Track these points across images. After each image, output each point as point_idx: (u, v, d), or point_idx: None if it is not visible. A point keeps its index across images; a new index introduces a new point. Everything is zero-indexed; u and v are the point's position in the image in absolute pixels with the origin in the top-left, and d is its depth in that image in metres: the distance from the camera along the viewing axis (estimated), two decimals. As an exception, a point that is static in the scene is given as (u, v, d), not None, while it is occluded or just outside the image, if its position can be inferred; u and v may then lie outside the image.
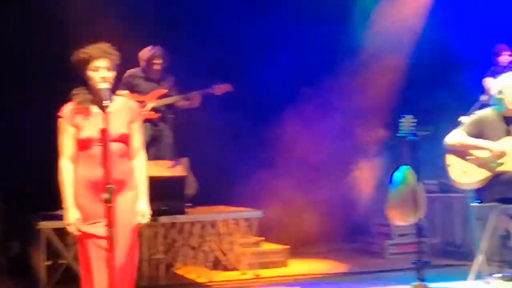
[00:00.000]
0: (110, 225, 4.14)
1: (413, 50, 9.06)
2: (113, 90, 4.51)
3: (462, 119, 6.40)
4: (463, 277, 6.18)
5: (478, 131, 6.04)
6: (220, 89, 8.02)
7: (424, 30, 9.09)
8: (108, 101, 4.31)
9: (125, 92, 7.44)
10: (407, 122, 6.23)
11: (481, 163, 5.96)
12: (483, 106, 6.85)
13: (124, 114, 4.53)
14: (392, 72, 9.03)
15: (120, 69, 4.63)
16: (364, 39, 8.94)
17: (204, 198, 8.14)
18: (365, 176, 8.90)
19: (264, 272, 7.52)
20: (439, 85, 9.22)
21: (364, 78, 8.93)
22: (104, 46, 4.48)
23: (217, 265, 7.58)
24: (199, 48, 8.63)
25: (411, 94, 8.90)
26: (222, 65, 8.61)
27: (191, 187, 8.01)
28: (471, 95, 8.32)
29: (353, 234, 9.02)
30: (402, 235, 8.29)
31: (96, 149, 4.37)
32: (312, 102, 8.87)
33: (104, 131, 4.27)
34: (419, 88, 9.14)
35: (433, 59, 9.22)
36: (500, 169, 5.90)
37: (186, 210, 7.53)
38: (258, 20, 8.64)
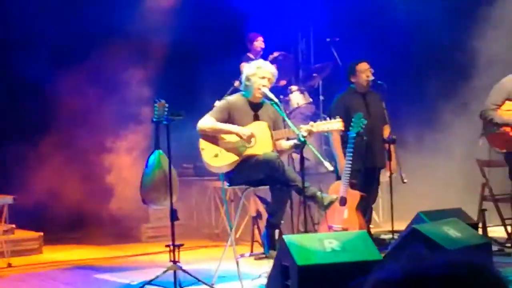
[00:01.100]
0: None
1: (175, 32, 9.06)
2: None
3: (216, 103, 6.55)
4: (217, 257, 6.36)
5: (228, 116, 6.21)
6: None
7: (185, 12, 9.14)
8: None
9: None
10: (161, 107, 6.27)
11: (231, 147, 6.14)
12: (236, 91, 7.02)
13: None
14: (153, 55, 9.01)
15: None
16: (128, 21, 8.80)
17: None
18: (124, 160, 8.83)
19: (17, 260, 7.26)
20: (201, 69, 9.37)
21: (124, 59, 8.81)
22: None
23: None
24: None
25: (174, 77, 8.94)
26: None
27: None
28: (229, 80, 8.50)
29: (112, 219, 8.93)
30: (158, 218, 8.37)
31: None
32: (64, 84, 8.60)
33: None
34: (181, 71, 9.21)
35: (195, 43, 9.29)
36: (248, 152, 6.11)
37: None
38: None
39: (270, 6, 9.52)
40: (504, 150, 7.18)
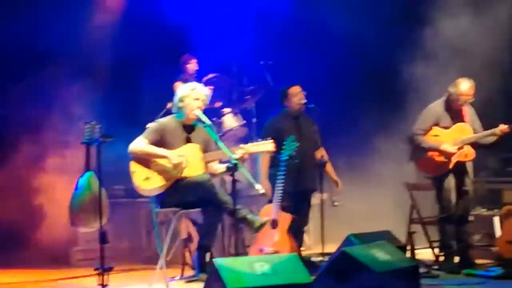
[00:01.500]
0: None
1: (113, 51, 8.99)
2: None
3: (148, 125, 6.52)
4: (147, 280, 6.29)
5: (160, 138, 6.19)
6: None
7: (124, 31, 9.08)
8: None
9: None
10: (92, 128, 6.21)
11: (162, 170, 6.11)
12: (169, 112, 7.00)
13: None
14: (91, 73, 8.88)
15: None
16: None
17: None
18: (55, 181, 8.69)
19: None
20: (133, 88, 9.31)
21: (59, 78, 8.68)
22: None
23: None
24: None
25: (112, 96, 8.83)
26: None
27: None
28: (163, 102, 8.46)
29: (42, 241, 8.75)
30: (88, 241, 8.23)
31: None
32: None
33: None
34: (120, 91, 9.11)
35: (126, 63, 9.24)
36: (179, 175, 6.09)
37: None
38: None
39: (206, 27, 9.54)
40: (431, 175, 7.33)
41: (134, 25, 9.15)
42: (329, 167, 7.51)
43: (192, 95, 6.28)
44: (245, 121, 9.01)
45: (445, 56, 8.66)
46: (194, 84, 6.49)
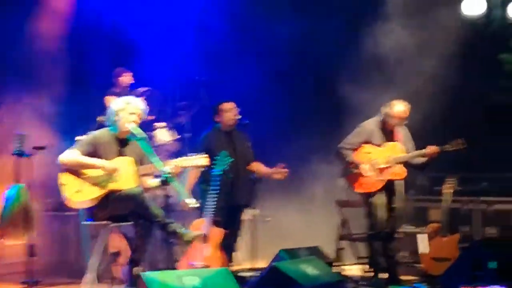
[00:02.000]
0: None
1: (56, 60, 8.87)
2: None
3: (78, 138, 6.46)
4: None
5: (93, 151, 6.14)
6: None
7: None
8: None
9: None
10: (21, 140, 6.13)
11: (94, 182, 6.06)
12: (101, 126, 6.96)
13: None
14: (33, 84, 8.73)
15: None
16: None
17: None
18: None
19: None
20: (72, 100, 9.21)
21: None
22: None
23: None
24: None
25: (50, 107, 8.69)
26: None
27: None
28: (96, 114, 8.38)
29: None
30: (14, 254, 8.06)
31: None
32: None
33: None
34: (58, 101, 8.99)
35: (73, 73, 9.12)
36: (111, 187, 6.06)
37: None
38: None
39: (144, 41, 9.54)
40: (361, 191, 7.46)
41: (83, 35, 9.09)
42: (260, 167, 7.52)
43: (127, 109, 6.27)
44: (178, 136, 9.00)
45: (383, 77, 8.85)
46: (129, 98, 6.47)
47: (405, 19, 8.87)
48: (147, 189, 6.34)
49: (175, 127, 9.13)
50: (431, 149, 7.23)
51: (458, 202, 8.73)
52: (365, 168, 7.28)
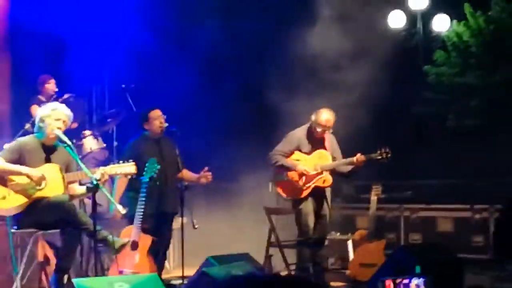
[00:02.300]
0: None
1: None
2: None
3: (5, 145, 6.35)
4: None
5: (19, 157, 6.04)
6: None
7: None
8: None
9: None
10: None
11: (20, 189, 5.96)
12: (27, 133, 6.87)
13: None
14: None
15: None
16: None
17: None
18: None
19: None
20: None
21: None
22: None
23: None
24: None
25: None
26: None
27: None
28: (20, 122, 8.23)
29: None
30: None
31: None
32: None
33: None
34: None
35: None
36: (38, 195, 5.96)
37: None
38: None
39: (73, 47, 9.43)
40: (290, 197, 7.54)
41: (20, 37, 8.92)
42: (187, 174, 7.52)
43: (53, 115, 6.20)
44: (105, 144, 8.91)
45: (314, 87, 8.96)
46: (55, 105, 6.41)
47: (337, 23, 9.04)
48: (74, 196, 6.27)
49: (102, 135, 9.03)
50: (359, 157, 7.36)
51: (383, 210, 8.92)
52: (303, 168, 7.36)
